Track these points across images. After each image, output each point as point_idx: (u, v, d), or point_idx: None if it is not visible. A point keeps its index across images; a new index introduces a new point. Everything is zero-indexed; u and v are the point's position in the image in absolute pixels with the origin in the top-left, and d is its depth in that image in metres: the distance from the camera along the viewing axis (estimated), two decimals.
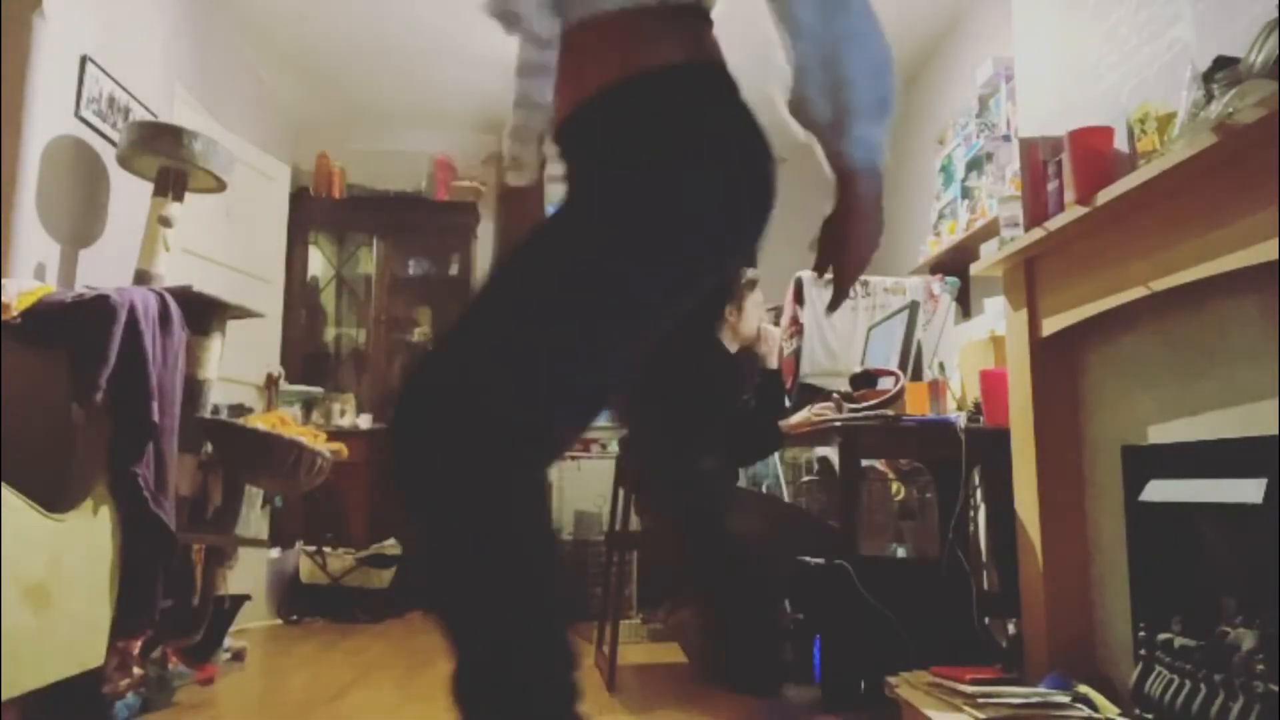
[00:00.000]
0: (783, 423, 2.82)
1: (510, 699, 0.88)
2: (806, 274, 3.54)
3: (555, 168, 1.11)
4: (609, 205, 0.95)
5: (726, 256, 1.03)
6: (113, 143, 2.96)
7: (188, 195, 2.89)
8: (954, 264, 3.52)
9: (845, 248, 1.05)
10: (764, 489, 3.77)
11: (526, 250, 0.93)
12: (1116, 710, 1.79)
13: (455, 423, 0.83)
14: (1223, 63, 1.52)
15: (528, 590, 0.88)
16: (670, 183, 0.95)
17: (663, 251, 0.95)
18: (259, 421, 2.71)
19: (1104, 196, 1.77)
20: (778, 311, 3.57)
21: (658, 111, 0.98)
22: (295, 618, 4.04)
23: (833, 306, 1.12)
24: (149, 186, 2.86)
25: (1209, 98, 1.51)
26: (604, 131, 1.00)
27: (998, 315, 2.79)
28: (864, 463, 3.18)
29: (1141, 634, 1.79)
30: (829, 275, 1.09)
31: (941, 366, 2.84)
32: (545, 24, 1.00)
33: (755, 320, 3.05)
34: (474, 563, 0.86)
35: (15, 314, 2.07)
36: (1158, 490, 1.81)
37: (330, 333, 5.20)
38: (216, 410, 3.01)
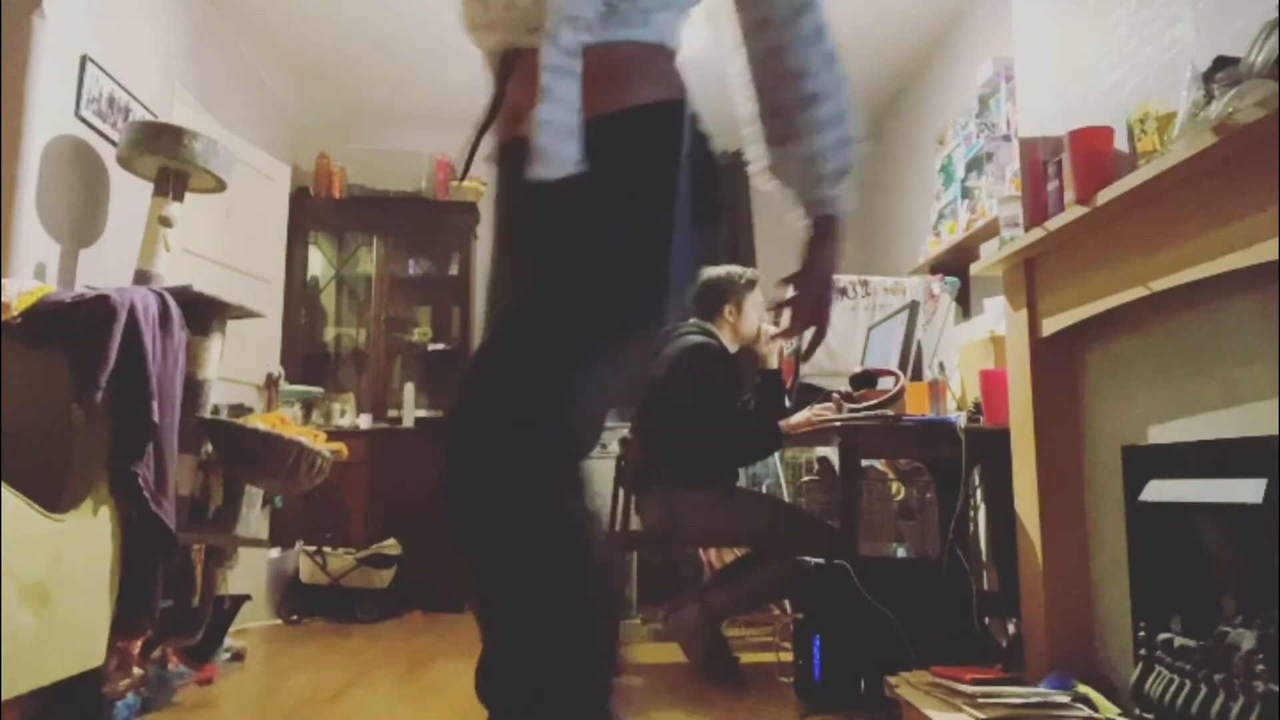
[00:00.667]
0: (783, 423, 2.82)
1: (555, 692, 0.95)
2: None
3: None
4: (610, 223, 1.05)
5: (700, 260, 1.17)
6: (113, 143, 2.96)
7: (188, 195, 2.89)
8: (954, 264, 3.52)
9: (827, 288, 1.21)
10: (764, 489, 3.77)
11: (545, 267, 1.03)
12: (1116, 710, 1.79)
13: (515, 438, 0.91)
14: (1223, 63, 1.52)
15: (582, 583, 0.97)
16: (658, 201, 1.07)
17: (656, 259, 1.06)
18: (259, 421, 2.71)
19: (1104, 196, 1.77)
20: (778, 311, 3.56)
21: (648, 139, 1.09)
22: (295, 618, 4.04)
23: (810, 353, 1.28)
24: (149, 186, 2.86)
25: (1209, 98, 1.51)
26: (599, 150, 1.06)
27: (998, 315, 2.79)
28: (864, 463, 3.18)
29: (1141, 634, 1.79)
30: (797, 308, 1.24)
31: (941, 366, 2.84)
32: (579, 37, 1.05)
33: (755, 320, 3.05)
34: (540, 556, 0.95)
35: (15, 314, 2.07)
36: (1158, 490, 1.81)
37: (330, 333, 5.20)
38: (216, 410, 3.01)
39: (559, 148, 1.02)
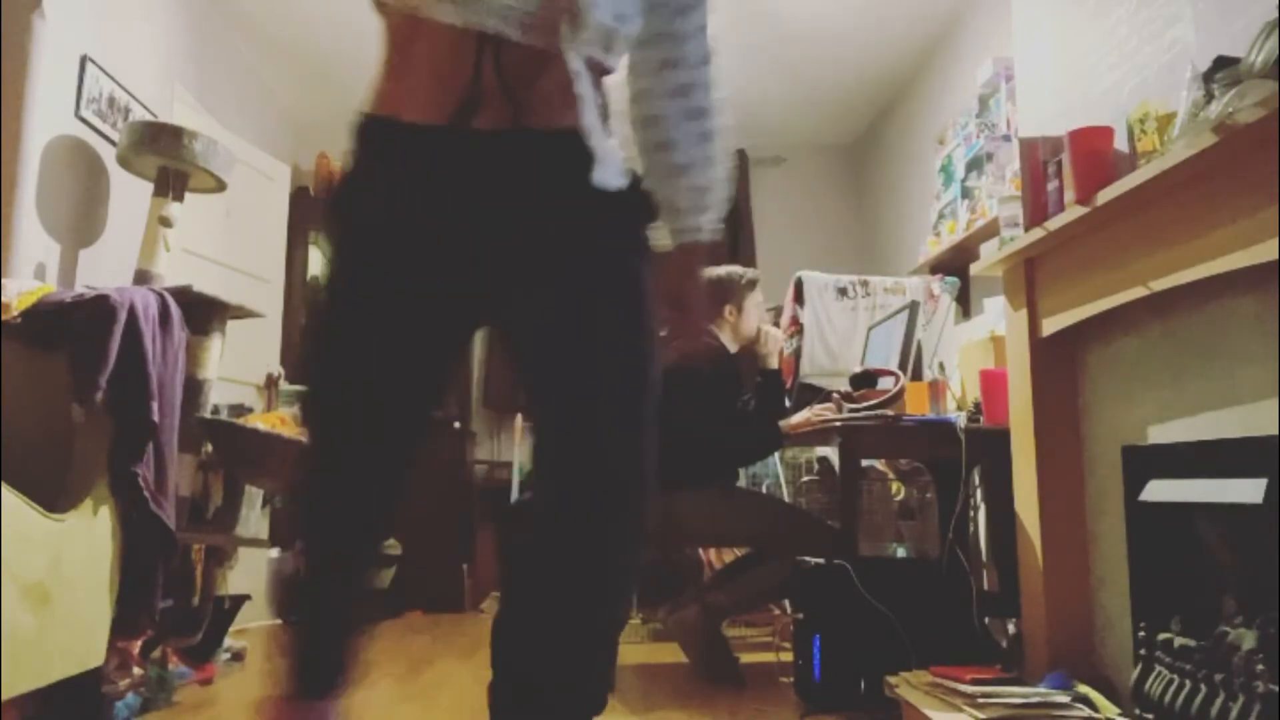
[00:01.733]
0: (783, 423, 2.82)
1: (597, 686, 1.12)
2: (806, 274, 3.54)
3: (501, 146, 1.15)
4: (644, 255, 1.16)
5: None
6: (113, 143, 2.96)
7: (188, 195, 2.89)
8: (954, 264, 3.52)
9: (697, 298, 1.31)
10: (764, 489, 3.77)
11: (619, 329, 1.14)
12: (1116, 710, 1.79)
13: (639, 484, 1.11)
14: (1223, 63, 1.52)
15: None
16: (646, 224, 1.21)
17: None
18: (259, 421, 2.71)
19: (1104, 196, 1.77)
20: (777, 312, 3.57)
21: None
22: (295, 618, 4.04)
23: (694, 344, 1.43)
24: (149, 186, 2.86)
25: (1209, 98, 1.51)
26: (581, 160, 1.10)
27: (998, 315, 2.79)
28: (864, 463, 3.18)
29: (1141, 634, 1.79)
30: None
31: (941, 366, 2.84)
32: (589, 53, 1.10)
33: (755, 320, 3.05)
34: (630, 573, 1.14)
35: (15, 314, 2.07)
36: (1158, 490, 1.81)
37: None
38: (216, 410, 3.00)
39: (612, 156, 1.07)
